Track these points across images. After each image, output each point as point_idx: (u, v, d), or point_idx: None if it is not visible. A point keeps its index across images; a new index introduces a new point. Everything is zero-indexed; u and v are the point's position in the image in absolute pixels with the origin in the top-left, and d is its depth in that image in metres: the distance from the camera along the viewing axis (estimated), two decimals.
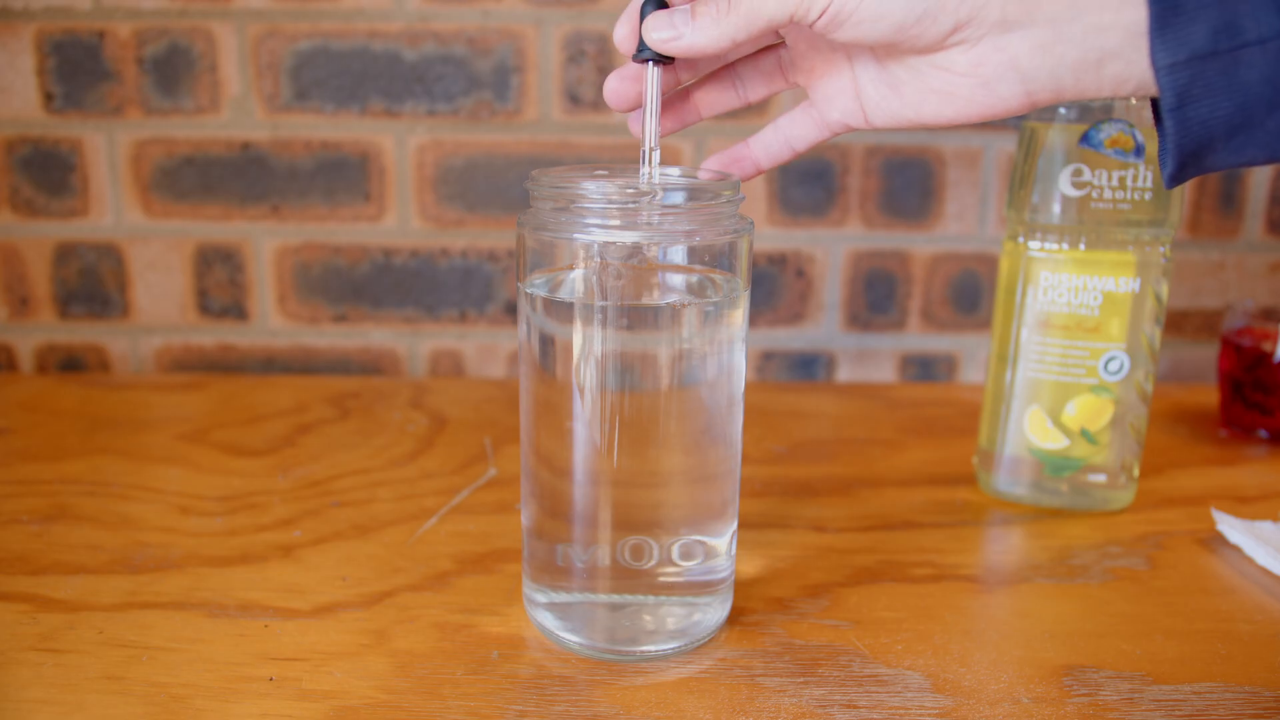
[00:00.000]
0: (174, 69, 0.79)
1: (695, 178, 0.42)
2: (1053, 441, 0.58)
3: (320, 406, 0.75)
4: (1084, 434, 0.58)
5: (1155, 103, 0.36)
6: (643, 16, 0.39)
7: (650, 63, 0.40)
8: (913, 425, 0.74)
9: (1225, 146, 0.34)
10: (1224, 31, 0.32)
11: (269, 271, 0.83)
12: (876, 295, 0.85)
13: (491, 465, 0.64)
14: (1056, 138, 0.54)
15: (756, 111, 0.80)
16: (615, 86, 0.42)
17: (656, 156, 0.41)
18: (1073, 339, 0.57)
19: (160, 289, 0.84)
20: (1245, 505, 0.60)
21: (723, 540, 0.44)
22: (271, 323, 0.84)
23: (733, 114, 0.80)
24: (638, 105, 0.42)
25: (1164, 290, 0.56)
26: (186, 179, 0.81)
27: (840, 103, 0.41)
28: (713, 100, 0.44)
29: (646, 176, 0.41)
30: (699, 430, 0.42)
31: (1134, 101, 0.53)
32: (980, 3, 0.34)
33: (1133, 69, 0.34)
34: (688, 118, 0.45)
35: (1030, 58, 0.35)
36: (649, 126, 0.41)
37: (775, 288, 0.85)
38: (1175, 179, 0.36)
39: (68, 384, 0.80)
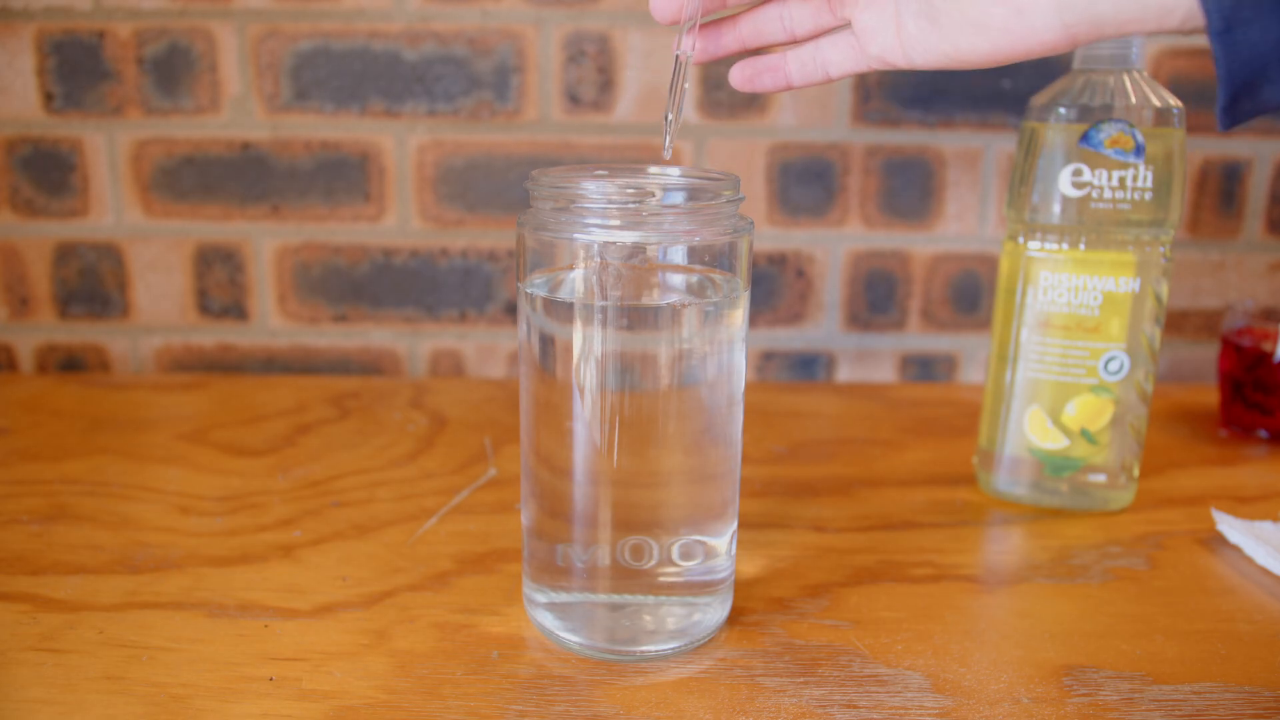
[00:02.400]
0: (174, 69, 0.79)
1: (696, 177, 0.42)
2: (1053, 441, 0.58)
3: (320, 406, 0.75)
4: (1084, 434, 0.57)
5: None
6: None
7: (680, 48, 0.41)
8: (913, 425, 0.74)
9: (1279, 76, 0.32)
10: None
11: (269, 271, 0.83)
12: (876, 295, 0.85)
13: (491, 465, 0.64)
14: (1056, 138, 0.54)
15: (757, 110, 0.80)
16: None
17: (677, 126, 0.42)
18: (1073, 339, 0.57)
19: (160, 289, 0.84)
20: (1245, 505, 0.60)
21: (723, 540, 0.44)
22: (271, 323, 0.84)
23: (735, 113, 0.80)
24: (679, 17, 0.42)
25: (1164, 290, 0.56)
26: (186, 179, 0.81)
27: (881, 37, 0.40)
28: (758, 30, 0.43)
29: (668, 143, 0.41)
30: (699, 430, 0.42)
31: (1134, 100, 0.53)
32: None
33: None
34: (728, 44, 0.44)
35: None
36: (674, 103, 0.42)
37: (775, 288, 0.85)
38: (1229, 114, 0.34)
39: (68, 384, 0.80)
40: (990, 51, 0.37)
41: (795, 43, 0.43)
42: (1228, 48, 0.32)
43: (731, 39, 0.44)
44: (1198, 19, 0.32)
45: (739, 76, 0.44)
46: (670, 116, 0.42)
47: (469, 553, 0.52)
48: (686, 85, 0.42)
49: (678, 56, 0.42)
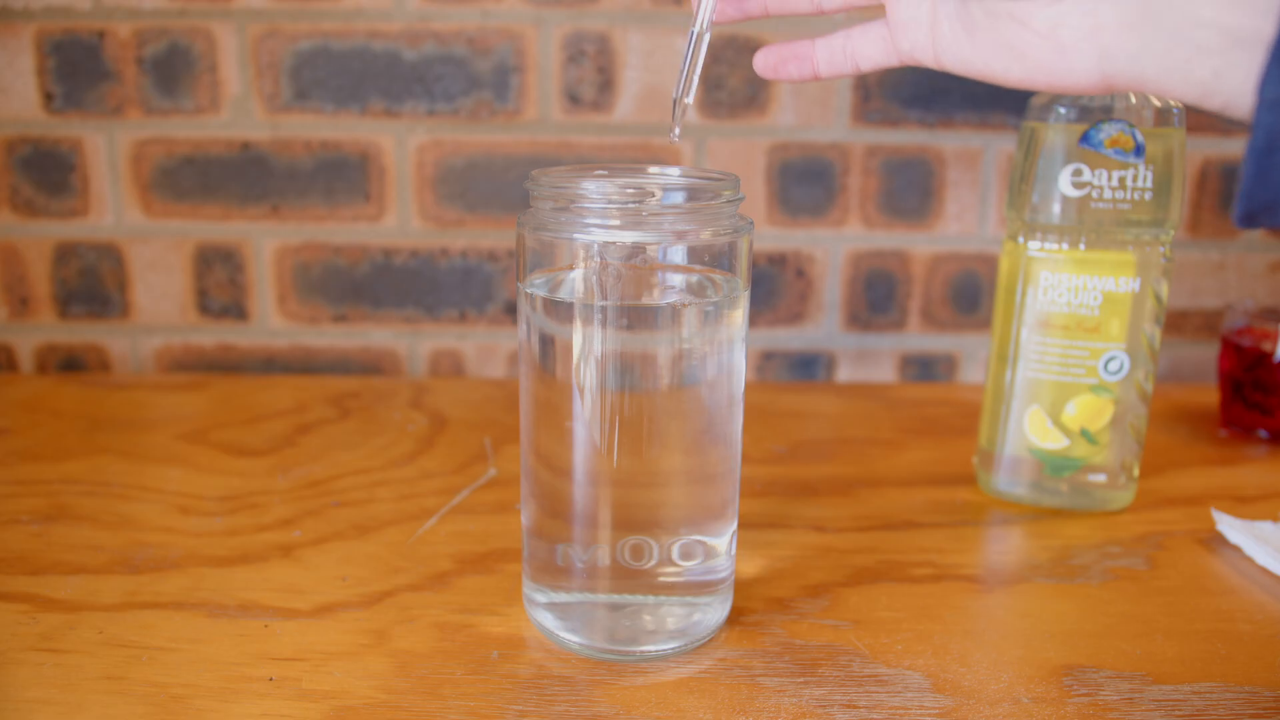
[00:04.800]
0: (174, 69, 0.79)
1: (696, 177, 0.42)
2: (1053, 441, 0.58)
3: (320, 406, 0.75)
4: (1084, 434, 0.57)
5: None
6: None
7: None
8: (913, 425, 0.74)
9: None
10: None
11: (269, 271, 0.83)
12: (876, 295, 0.85)
13: (491, 465, 0.64)
14: (1056, 138, 0.54)
15: (757, 110, 0.80)
16: None
17: (685, 107, 0.42)
18: (1073, 339, 0.57)
19: (160, 289, 0.84)
20: (1245, 505, 0.60)
21: (723, 540, 0.44)
22: (271, 323, 0.84)
23: (734, 113, 0.80)
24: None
25: (1164, 290, 0.56)
26: (186, 179, 0.81)
27: (914, 33, 0.39)
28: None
29: (676, 128, 0.42)
30: (699, 430, 0.42)
31: (1134, 100, 0.53)
32: None
33: (1223, 83, 0.30)
34: (751, 9, 0.42)
35: (1115, 34, 0.32)
36: (684, 83, 0.42)
37: (775, 288, 0.85)
38: (1244, 223, 0.32)
39: (68, 384, 0.80)
40: (1022, 78, 0.36)
41: (822, 13, 0.42)
42: (1262, 168, 0.30)
43: (756, 3, 0.42)
44: (1235, 111, 0.31)
45: (763, 62, 0.42)
46: (679, 98, 0.41)
47: (469, 553, 0.52)
48: (700, 62, 0.41)
49: (693, 32, 0.41)
